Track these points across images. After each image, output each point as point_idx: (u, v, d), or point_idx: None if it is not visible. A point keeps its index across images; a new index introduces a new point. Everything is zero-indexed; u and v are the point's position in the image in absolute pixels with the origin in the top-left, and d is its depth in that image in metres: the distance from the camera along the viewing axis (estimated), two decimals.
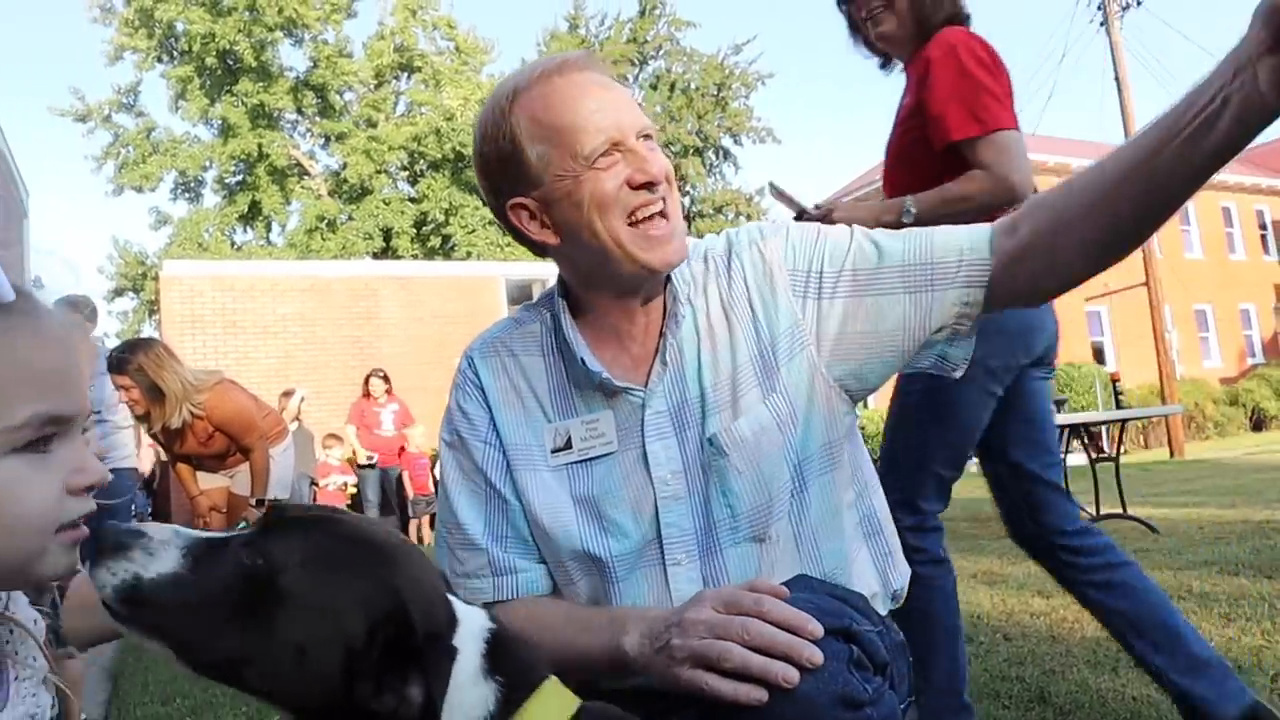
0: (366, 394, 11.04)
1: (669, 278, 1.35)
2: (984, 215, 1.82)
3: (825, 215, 2.36)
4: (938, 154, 2.26)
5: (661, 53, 30.95)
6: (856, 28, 2.54)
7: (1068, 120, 61.44)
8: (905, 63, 2.49)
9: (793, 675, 0.97)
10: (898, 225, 2.17)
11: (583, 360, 1.32)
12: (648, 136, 1.28)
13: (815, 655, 0.98)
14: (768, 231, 1.39)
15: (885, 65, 2.62)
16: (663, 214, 1.27)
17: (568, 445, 1.34)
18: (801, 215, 2.44)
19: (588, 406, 1.36)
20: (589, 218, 1.26)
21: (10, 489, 0.72)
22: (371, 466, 10.94)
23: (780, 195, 2.55)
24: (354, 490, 11.52)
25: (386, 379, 11.03)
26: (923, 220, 2.18)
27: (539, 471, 1.35)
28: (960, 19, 2.38)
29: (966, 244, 1.28)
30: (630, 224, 1.26)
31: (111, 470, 4.67)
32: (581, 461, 1.34)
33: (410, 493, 11.10)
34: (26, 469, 0.74)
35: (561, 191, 1.27)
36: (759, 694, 0.97)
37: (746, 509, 1.28)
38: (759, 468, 1.28)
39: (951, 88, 2.21)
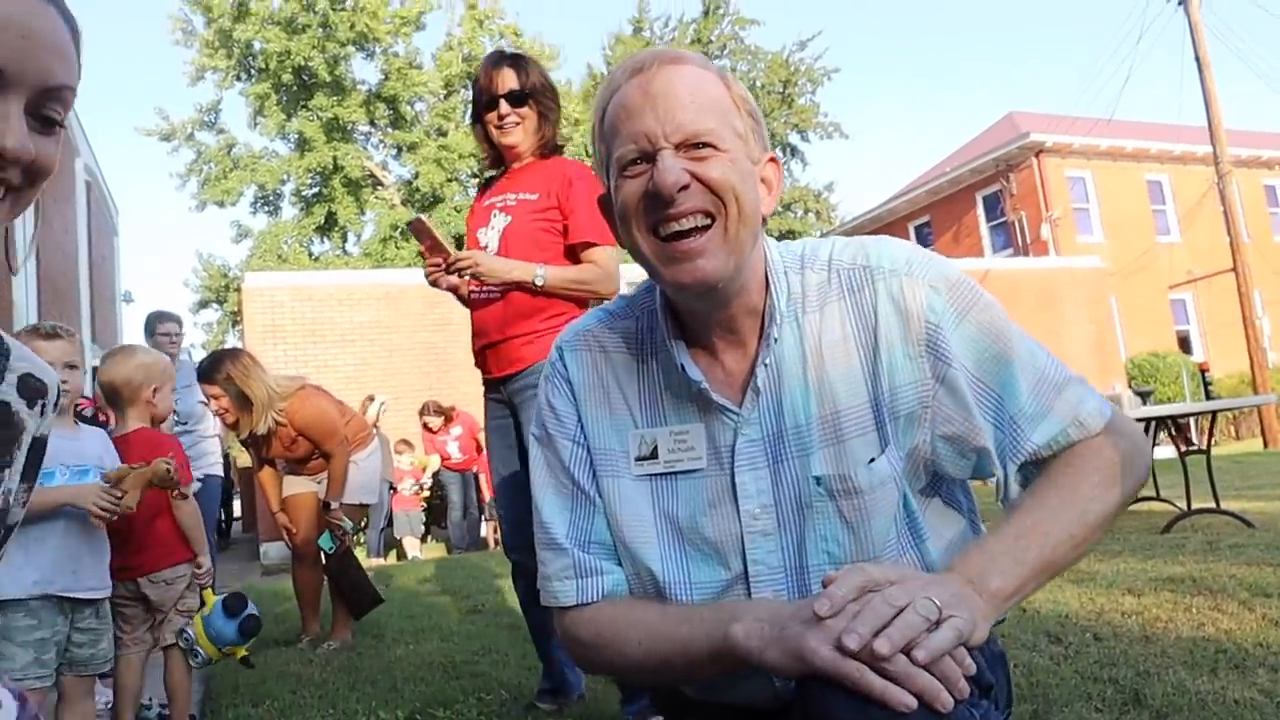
0: (425, 430, 11.26)
1: (769, 287, 1.26)
2: (593, 298, 3.00)
3: (452, 263, 2.95)
4: (565, 245, 3.05)
5: (726, 52, 30.80)
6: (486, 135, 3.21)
7: (1146, 104, 59.56)
8: (517, 167, 3.21)
9: (911, 703, 0.92)
10: (528, 287, 2.97)
11: (682, 366, 1.26)
12: (700, 145, 1.17)
13: (947, 701, 0.93)
14: (917, 266, 1.25)
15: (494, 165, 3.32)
16: (695, 228, 1.17)
17: (653, 455, 1.29)
18: (437, 254, 3.00)
19: (679, 416, 1.29)
20: (624, 228, 1.24)
21: None
22: (453, 471, 11.17)
23: (420, 231, 2.98)
24: (427, 494, 11.73)
25: (439, 410, 11.09)
26: (550, 285, 2.96)
27: (621, 479, 1.30)
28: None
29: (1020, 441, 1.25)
30: (659, 238, 1.19)
31: (201, 478, 4.82)
32: (666, 474, 1.29)
33: (487, 495, 11.25)
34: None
35: (613, 196, 1.25)
36: (909, 700, 0.92)
37: (848, 561, 1.21)
38: (870, 523, 1.22)
39: (589, 204, 2.93)
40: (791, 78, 30.23)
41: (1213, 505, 6.34)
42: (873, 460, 1.22)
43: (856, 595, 1.00)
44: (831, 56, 59.68)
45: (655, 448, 1.29)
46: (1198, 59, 16.95)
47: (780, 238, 27.40)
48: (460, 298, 3.25)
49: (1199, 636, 3.29)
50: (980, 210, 24.02)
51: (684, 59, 1.23)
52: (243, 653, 3.36)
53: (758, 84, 30.24)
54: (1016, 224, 22.55)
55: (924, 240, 25.49)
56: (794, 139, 31.17)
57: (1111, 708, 2.65)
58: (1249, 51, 49.41)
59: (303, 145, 26.56)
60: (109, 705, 3.81)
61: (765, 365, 1.24)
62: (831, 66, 31.05)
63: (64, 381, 3.15)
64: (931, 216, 25.46)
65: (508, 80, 3.12)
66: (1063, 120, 22.05)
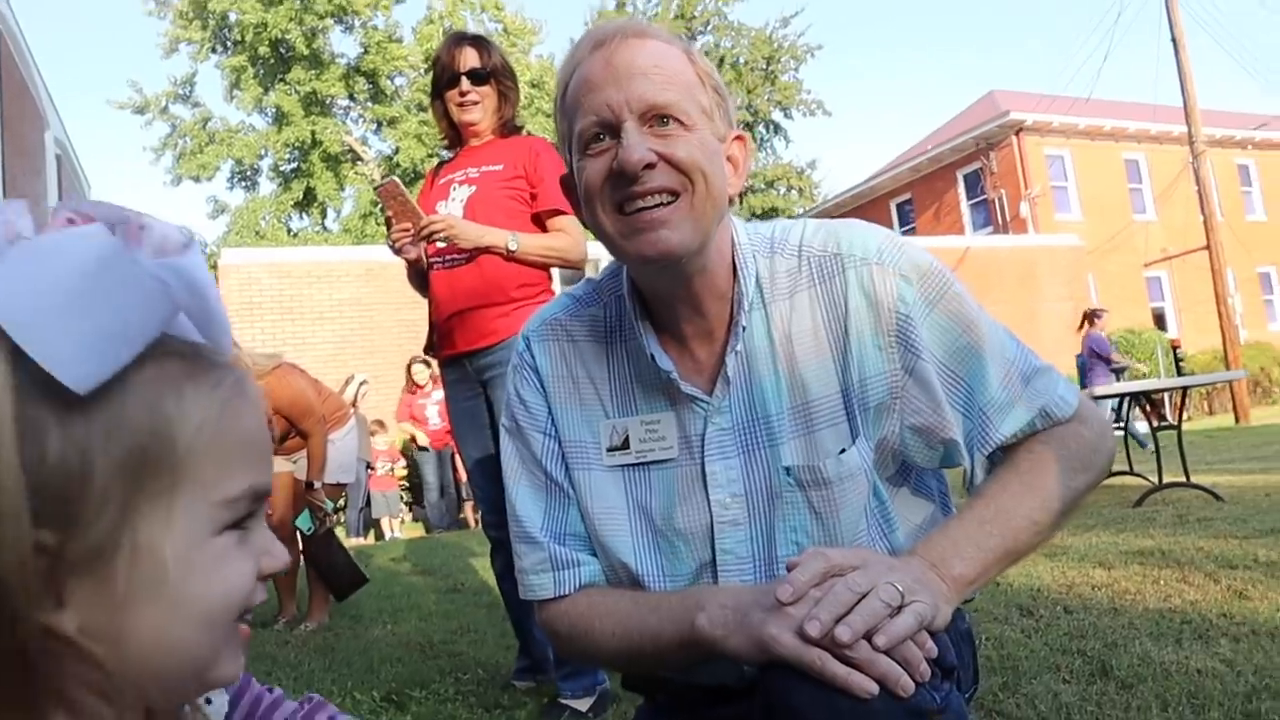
0: (410, 387, 11.11)
1: (736, 274, 1.24)
2: (563, 265, 3.09)
3: (424, 227, 2.93)
4: (531, 214, 3.08)
5: (709, 28, 30.70)
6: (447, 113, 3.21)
7: (1124, 83, 59.78)
8: (475, 145, 3.21)
9: (872, 689, 0.92)
10: (501, 252, 2.97)
11: (652, 356, 1.24)
12: (664, 119, 1.14)
13: (908, 686, 0.93)
14: (888, 255, 1.23)
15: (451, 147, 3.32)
16: (660, 204, 1.14)
17: (625, 445, 1.27)
18: (405, 219, 3.03)
19: (649, 405, 1.27)
20: (588, 208, 1.21)
21: (220, 570, 0.63)
22: (426, 449, 11.08)
23: (391, 194, 3.01)
24: (402, 474, 11.70)
25: (429, 363, 10.81)
26: (524, 251, 2.98)
27: (592, 470, 1.29)
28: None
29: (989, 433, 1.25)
30: (622, 213, 1.16)
31: None
32: (638, 465, 1.27)
33: (463, 475, 11.24)
34: (234, 548, 0.64)
35: (576, 176, 1.22)
36: (870, 686, 0.92)
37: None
38: (839, 514, 1.21)
39: (554, 175, 2.89)
40: (775, 54, 30.18)
41: (1183, 479, 6.43)
42: (843, 451, 1.21)
43: (819, 580, 1.00)
44: (815, 34, 59.67)
45: (627, 437, 1.28)
46: (1174, 38, 17.00)
47: (763, 215, 27.42)
48: (417, 269, 3.21)
49: (1166, 608, 3.35)
50: (961, 188, 24.11)
51: (647, 32, 1.20)
52: None
53: (741, 60, 30.18)
54: (996, 202, 22.65)
55: (905, 218, 25.59)
56: (777, 116, 31.18)
57: (1079, 678, 2.70)
58: (1224, 33, 49.56)
59: (280, 119, 26.31)
60: None
61: (735, 353, 1.23)
62: (815, 43, 31.12)
63: None
64: (913, 194, 25.53)
65: (469, 58, 3.13)
66: (1043, 99, 22.14)
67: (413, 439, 11.18)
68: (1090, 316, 12.20)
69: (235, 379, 0.65)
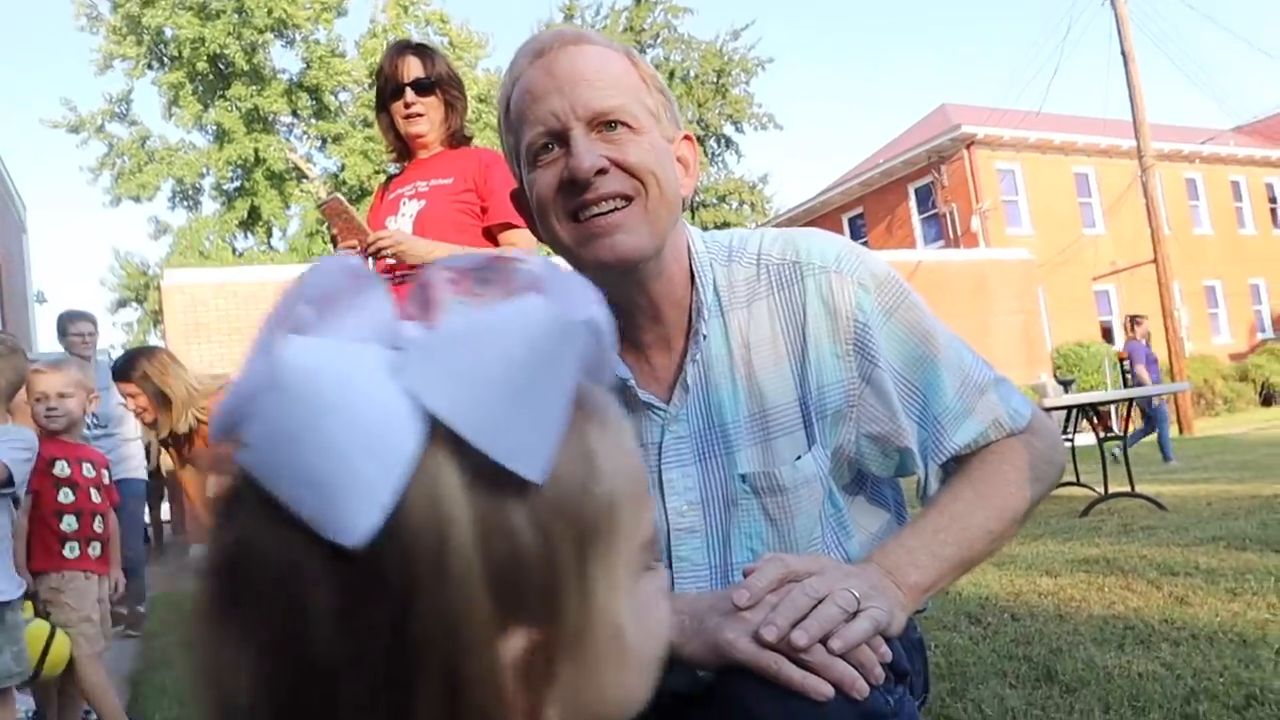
0: None
1: (694, 281, 1.23)
2: None
3: (372, 244, 2.90)
4: (483, 226, 3.05)
5: (659, 41, 30.84)
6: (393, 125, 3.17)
7: (1073, 97, 61.06)
8: (424, 157, 3.17)
9: (828, 691, 0.92)
10: None
11: None
12: (612, 124, 1.13)
13: (863, 689, 0.94)
14: (846, 263, 1.23)
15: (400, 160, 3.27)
16: (614, 209, 1.13)
17: None
18: (351, 236, 2.99)
19: None
20: (542, 221, 1.19)
21: (653, 614, 0.60)
22: None
23: (335, 212, 2.99)
24: None
25: None
26: None
27: None
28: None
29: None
30: (576, 221, 1.15)
31: (120, 481, 4.72)
32: None
33: None
34: (654, 588, 0.62)
35: (527, 189, 1.20)
36: (826, 689, 0.92)
37: None
38: (794, 520, 1.22)
39: (505, 189, 2.78)
40: (725, 67, 30.37)
41: (1129, 490, 6.55)
42: (799, 458, 1.21)
43: (776, 586, 1.00)
44: (765, 47, 60.37)
45: None
46: (1124, 52, 17.35)
47: (715, 229, 27.52)
48: None
49: (1109, 614, 3.40)
50: (912, 202, 24.41)
51: (585, 38, 1.19)
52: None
53: (691, 74, 30.34)
54: (948, 216, 22.95)
55: (857, 232, 25.84)
56: (728, 130, 31.35)
57: (1025, 683, 2.73)
58: (1173, 48, 50.78)
59: (221, 137, 25.69)
60: (30, 713, 3.73)
61: (695, 361, 1.22)
62: (765, 57, 31.27)
63: (53, 409, 3.37)
64: (864, 208, 25.81)
65: (413, 68, 3.07)
66: (994, 113, 22.49)
67: None
68: (1131, 323, 11.70)
69: (616, 411, 0.61)
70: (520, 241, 3.02)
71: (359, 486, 0.42)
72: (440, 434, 0.44)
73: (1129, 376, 10.82)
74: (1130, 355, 11.16)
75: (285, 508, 0.42)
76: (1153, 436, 10.78)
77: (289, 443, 0.42)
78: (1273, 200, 27.69)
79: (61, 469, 3.34)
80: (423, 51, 3.14)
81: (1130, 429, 7.80)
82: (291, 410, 0.42)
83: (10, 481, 2.91)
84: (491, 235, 3.08)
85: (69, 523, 3.31)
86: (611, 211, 1.13)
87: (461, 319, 0.48)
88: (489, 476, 0.46)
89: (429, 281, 0.51)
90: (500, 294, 0.51)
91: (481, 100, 24.03)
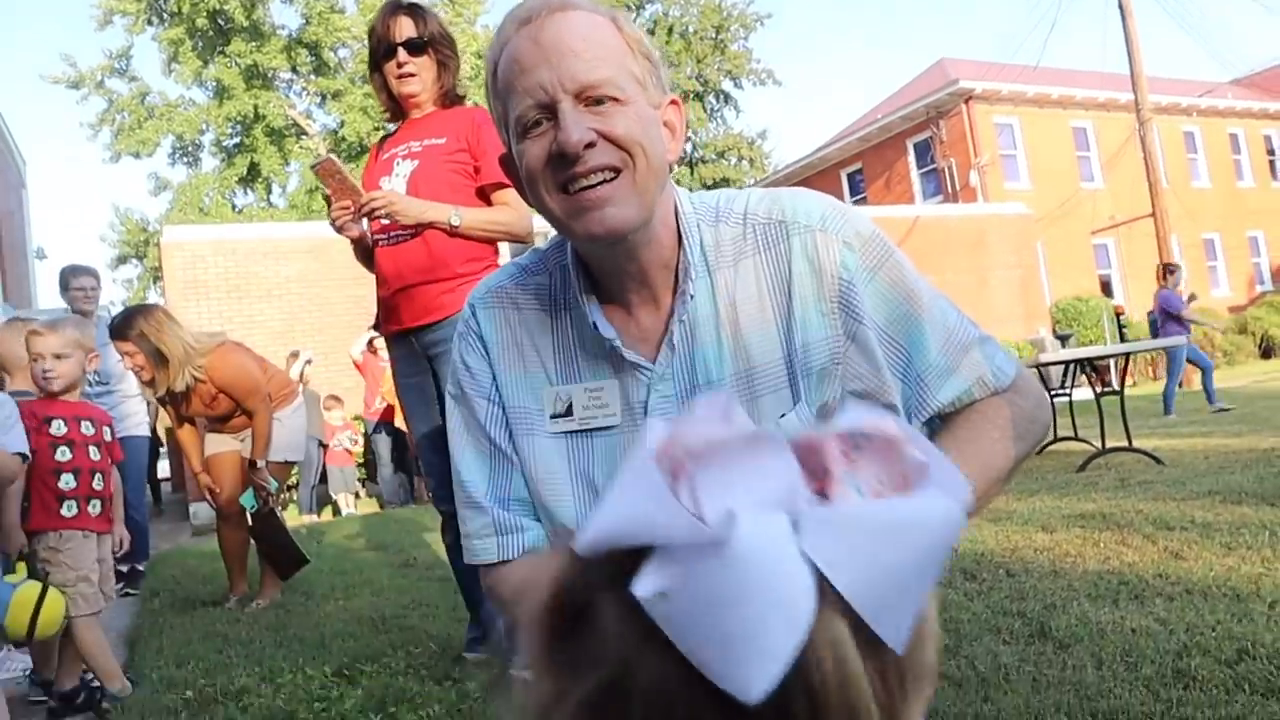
0: (374, 349, 10.92)
1: (681, 241, 1.25)
2: (508, 239, 3.07)
3: (365, 204, 2.88)
4: (476, 187, 3.06)
5: None
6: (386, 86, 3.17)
7: (1071, 51, 60.47)
8: (417, 117, 3.17)
9: None
10: (444, 228, 2.95)
11: (594, 324, 1.24)
12: (600, 99, 1.14)
13: None
14: (831, 221, 1.24)
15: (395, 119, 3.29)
16: (603, 181, 1.14)
17: (568, 412, 1.28)
18: (345, 196, 2.98)
19: (593, 373, 1.28)
20: (531, 191, 1.20)
21: None
22: (379, 430, 10.90)
23: (329, 172, 2.94)
24: (360, 450, 11.58)
25: None
26: (467, 226, 2.96)
27: (536, 436, 1.29)
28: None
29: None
30: (566, 193, 1.16)
31: (125, 439, 4.73)
32: (582, 431, 1.27)
33: (414, 450, 11.13)
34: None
35: (516, 158, 1.21)
36: None
37: None
38: None
39: (497, 149, 2.72)
40: (724, 23, 30.01)
41: (1126, 444, 6.57)
42: (783, 416, 1.22)
43: None
44: (764, 2, 59.36)
45: (570, 405, 1.28)
46: (1121, 4, 17.16)
47: (714, 186, 27.39)
48: (362, 246, 3.18)
49: (1104, 570, 3.43)
50: (911, 157, 24.25)
51: (571, 4, 1.18)
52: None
53: (690, 29, 29.99)
54: (946, 171, 22.83)
55: (855, 188, 25.71)
56: (727, 85, 31.05)
57: (1019, 639, 2.76)
58: (1172, 1, 50.13)
59: (221, 93, 25.62)
60: (26, 671, 3.77)
61: (681, 321, 1.23)
62: (764, 12, 31.01)
63: (49, 370, 3.34)
64: (863, 164, 25.64)
65: (405, 28, 3.06)
66: (992, 67, 22.29)
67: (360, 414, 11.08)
68: (1164, 271, 11.33)
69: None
70: (512, 201, 3.02)
71: (768, 648, 0.45)
72: (828, 593, 0.47)
73: (1124, 330, 10.79)
74: (1164, 305, 10.86)
75: (674, 647, 0.46)
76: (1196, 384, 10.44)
77: (714, 606, 0.45)
78: (1271, 153, 27.51)
79: (58, 427, 3.34)
80: (415, 11, 3.11)
81: (1131, 382, 7.80)
82: (726, 578, 0.45)
83: None
84: (485, 194, 3.07)
85: (67, 481, 3.32)
86: (600, 184, 1.14)
87: (865, 504, 0.51)
88: (864, 636, 0.50)
89: (819, 448, 0.53)
90: (891, 476, 0.53)
91: (480, 56, 23.78)
